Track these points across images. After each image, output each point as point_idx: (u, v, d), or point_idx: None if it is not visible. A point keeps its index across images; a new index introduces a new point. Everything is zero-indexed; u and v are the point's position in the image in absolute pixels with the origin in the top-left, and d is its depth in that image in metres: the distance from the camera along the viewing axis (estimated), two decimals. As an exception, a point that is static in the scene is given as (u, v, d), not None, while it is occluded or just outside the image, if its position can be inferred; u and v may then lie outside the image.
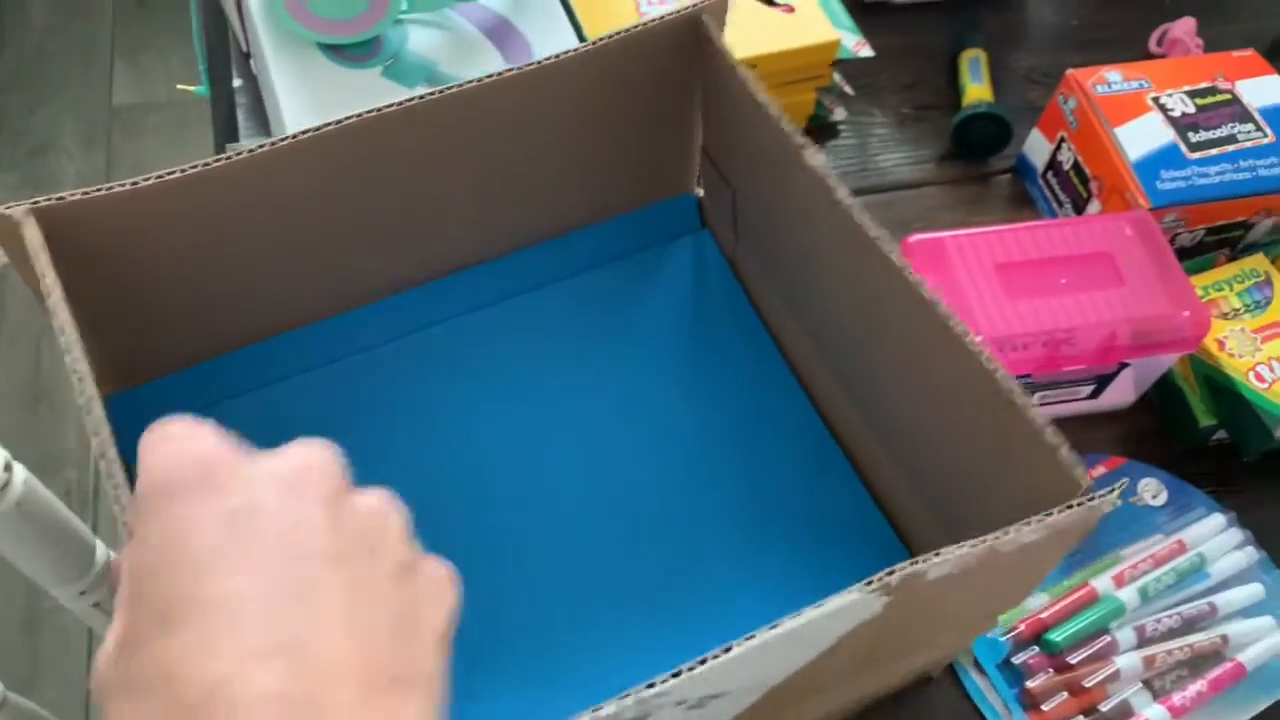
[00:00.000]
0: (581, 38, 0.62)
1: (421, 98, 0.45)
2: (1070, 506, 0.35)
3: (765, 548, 0.50)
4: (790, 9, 0.65)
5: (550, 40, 0.62)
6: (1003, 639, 0.52)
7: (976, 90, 0.71)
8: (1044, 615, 0.52)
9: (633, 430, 0.53)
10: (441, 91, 0.45)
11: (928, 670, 0.51)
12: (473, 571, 0.49)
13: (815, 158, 0.42)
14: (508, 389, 0.54)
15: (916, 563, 0.34)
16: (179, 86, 0.72)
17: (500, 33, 0.61)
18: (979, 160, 0.72)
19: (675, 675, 0.31)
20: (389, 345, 0.54)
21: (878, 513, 0.51)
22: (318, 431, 0.52)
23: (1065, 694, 0.51)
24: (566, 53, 0.46)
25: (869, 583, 0.33)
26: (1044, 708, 0.51)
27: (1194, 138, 0.62)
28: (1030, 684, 0.51)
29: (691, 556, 0.50)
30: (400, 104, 0.44)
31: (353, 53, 0.59)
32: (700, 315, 0.57)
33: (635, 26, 0.47)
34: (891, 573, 0.33)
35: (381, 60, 0.59)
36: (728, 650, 0.32)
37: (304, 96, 0.58)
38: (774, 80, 0.65)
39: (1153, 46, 0.78)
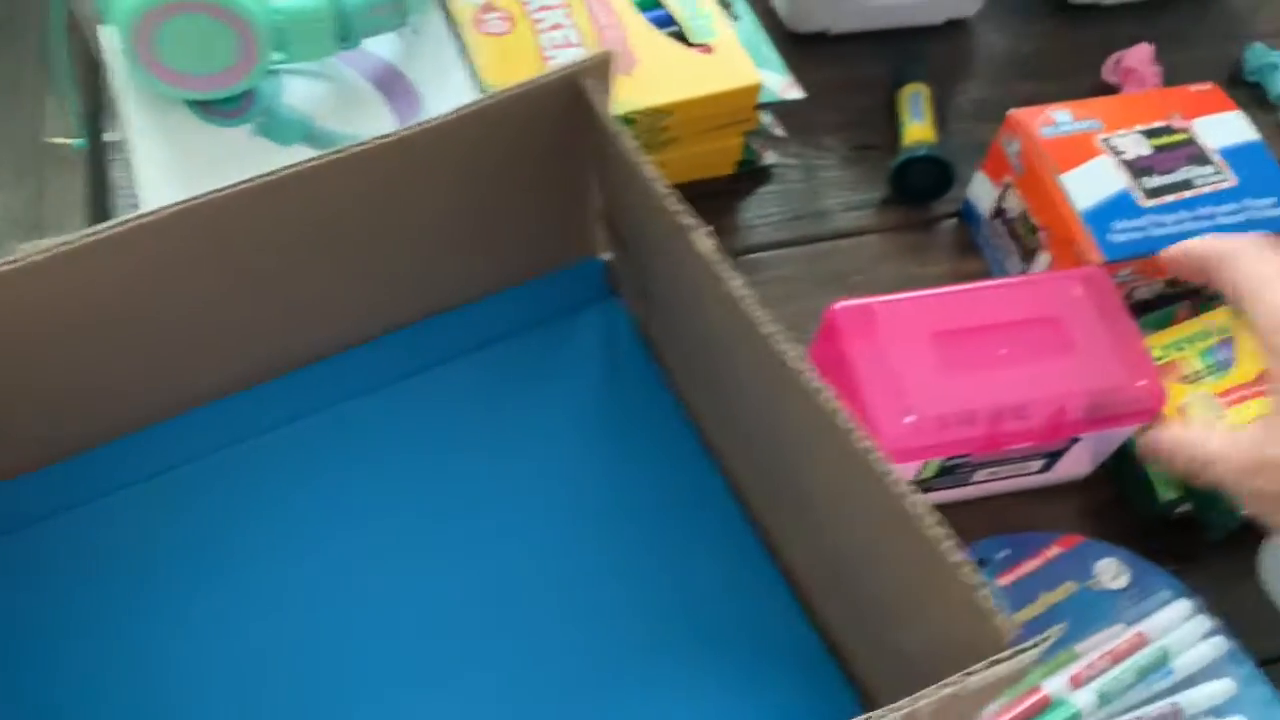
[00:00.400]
0: (480, 86, 0.57)
1: (275, 174, 0.39)
2: (994, 662, 0.30)
3: (688, 663, 0.45)
4: (708, 49, 0.59)
5: (444, 90, 0.56)
6: (944, 756, 0.47)
7: (917, 129, 0.66)
8: (990, 729, 0.47)
9: (533, 533, 0.48)
10: (309, 163, 0.40)
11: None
12: (342, 696, 0.44)
13: (704, 241, 0.37)
14: (392, 484, 0.48)
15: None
16: (49, 139, 0.66)
17: (388, 82, 0.56)
18: (922, 205, 0.67)
19: None
20: (259, 439, 0.48)
21: (807, 625, 0.46)
22: (181, 536, 0.47)
23: (1015, 818, 0.46)
24: (447, 115, 0.41)
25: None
26: (991, 835, 0.45)
27: (1149, 183, 0.57)
28: (975, 808, 0.46)
29: (605, 673, 0.45)
30: (257, 180, 0.39)
31: (221, 108, 0.54)
32: (610, 397, 0.51)
33: (514, 89, 0.41)
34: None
35: (253, 116, 0.54)
36: None
37: (163, 157, 0.52)
38: (694, 127, 0.60)
39: (1107, 75, 0.73)
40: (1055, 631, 0.31)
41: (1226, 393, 0.54)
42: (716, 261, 0.37)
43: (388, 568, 0.46)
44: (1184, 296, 0.59)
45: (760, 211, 0.66)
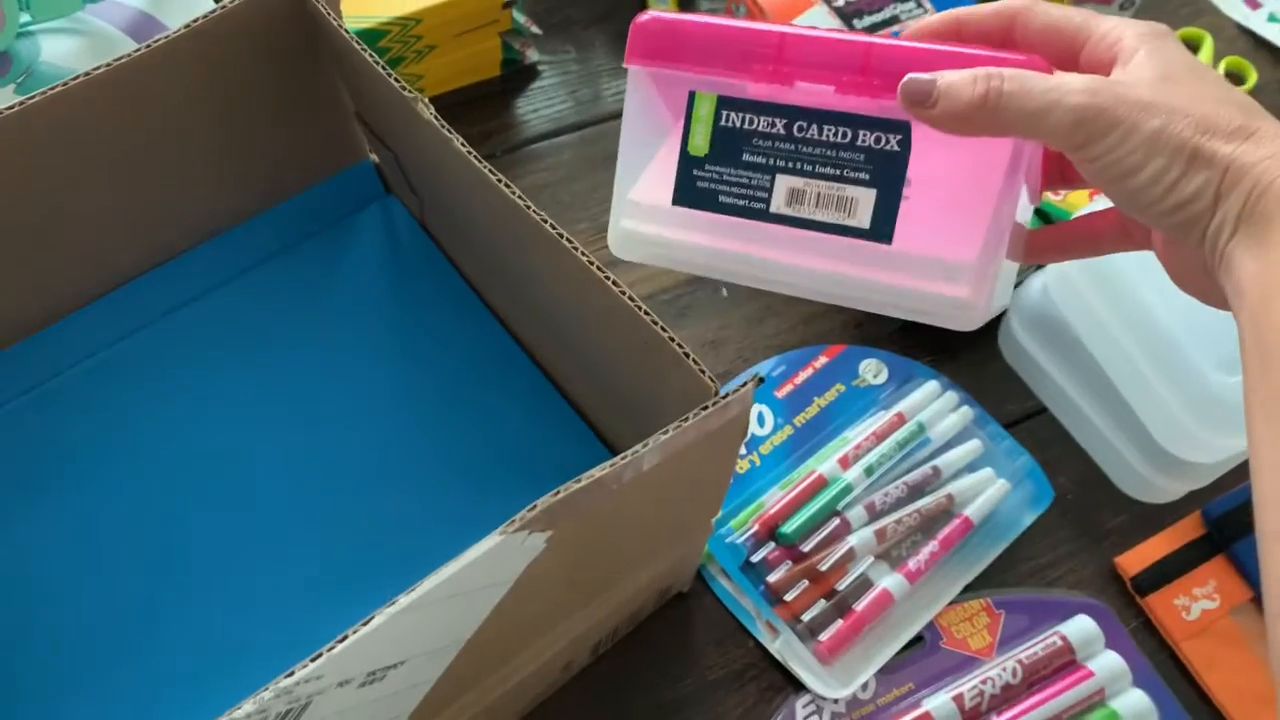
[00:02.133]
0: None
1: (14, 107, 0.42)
2: (704, 409, 0.36)
3: (490, 490, 0.50)
4: (449, -43, 0.63)
5: (199, 28, 0.59)
6: (740, 542, 0.54)
7: (660, 9, 0.71)
8: (773, 510, 0.54)
9: (346, 408, 0.52)
10: (43, 93, 0.43)
11: (672, 586, 0.52)
12: (183, 575, 0.48)
13: (426, 111, 0.42)
14: (203, 400, 0.52)
15: (559, 493, 0.34)
16: None
17: (144, 29, 0.58)
18: (678, 79, 0.72)
19: (315, 659, 0.31)
20: (42, 388, 0.51)
21: (596, 440, 0.52)
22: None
23: (806, 582, 0.53)
24: (166, 36, 0.45)
25: (511, 523, 0.33)
26: (787, 599, 0.52)
27: (859, 24, 0.63)
28: (771, 579, 0.53)
29: (420, 514, 0.50)
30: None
31: (-19, 74, 0.56)
32: (398, 280, 0.56)
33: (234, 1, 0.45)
34: (534, 508, 0.34)
35: (13, 77, 0.56)
36: (367, 623, 0.32)
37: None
38: (450, 31, 0.64)
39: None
40: (752, 380, 0.37)
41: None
42: (443, 125, 0.41)
43: (230, 462, 0.51)
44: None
45: (532, 106, 0.71)
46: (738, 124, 0.38)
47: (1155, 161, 0.32)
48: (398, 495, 0.50)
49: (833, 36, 0.36)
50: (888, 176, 0.36)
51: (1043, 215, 0.62)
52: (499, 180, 0.40)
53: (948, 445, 0.58)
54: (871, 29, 0.63)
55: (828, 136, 0.37)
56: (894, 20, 0.64)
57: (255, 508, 0.49)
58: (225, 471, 0.50)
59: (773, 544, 0.54)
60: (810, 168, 0.37)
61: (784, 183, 0.38)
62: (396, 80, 0.42)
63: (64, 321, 0.51)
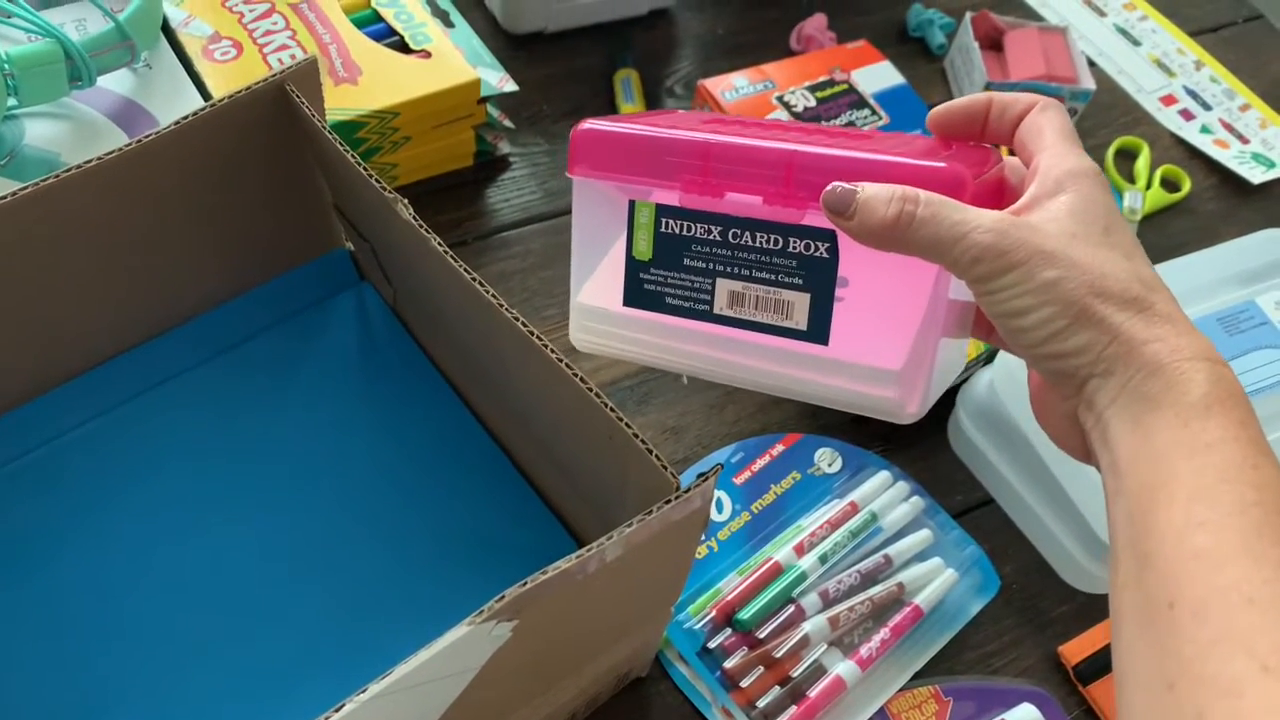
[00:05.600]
0: (216, 109, 0.62)
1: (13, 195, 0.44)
2: (667, 503, 0.38)
3: (455, 576, 0.51)
4: (427, 54, 0.66)
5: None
6: (698, 627, 0.55)
7: (629, 109, 0.75)
8: (731, 596, 0.55)
9: (314, 491, 0.53)
10: (38, 183, 0.44)
11: (631, 672, 0.53)
12: (146, 660, 0.48)
13: (405, 211, 0.44)
14: (171, 482, 0.53)
15: (526, 584, 0.35)
16: None
17: (127, 115, 0.60)
18: (643, 173, 0.75)
19: (286, 744, 0.32)
20: (29, 456, 0.52)
21: (559, 527, 0.53)
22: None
23: (761, 668, 0.54)
24: (158, 131, 0.46)
25: (479, 613, 0.35)
26: (743, 685, 0.53)
27: (817, 129, 0.67)
28: (727, 665, 0.54)
29: (385, 599, 0.51)
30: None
31: (-34, 155, 0.57)
32: (369, 366, 0.57)
33: (227, 96, 0.47)
34: (501, 599, 0.35)
35: (-2, 160, 0.57)
36: (340, 709, 0.33)
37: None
38: (426, 124, 0.66)
39: (793, 45, 0.83)
40: (714, 471, 0.39)
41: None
42: (420, 224, 0.43)
43: (195, 545, 0.51)
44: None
45: (503, 196, 0.73)
46: (677, 230, 0.39)
47: (1044, 309, 0.34)
48: (364, 580, 0.51)
49: (758, 145, 0.37)
50: (819, 281, 0.38)
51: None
52: (474, 279, 0.42)
53: (899, 534, 0.60)
54: (829, 133, 0.66)
55: (760, 243, 0.38)
56: (850, 126, 0.67)
57: (219, 592, 0.50)
58: (189, 556, 0.50)
59: (729, 630, 0.55)
60: (747, 272, 0.38)
61: (724, 286, 0.39)
62: (377, 180, 0.44)
63: (36, 401, 0.52)
